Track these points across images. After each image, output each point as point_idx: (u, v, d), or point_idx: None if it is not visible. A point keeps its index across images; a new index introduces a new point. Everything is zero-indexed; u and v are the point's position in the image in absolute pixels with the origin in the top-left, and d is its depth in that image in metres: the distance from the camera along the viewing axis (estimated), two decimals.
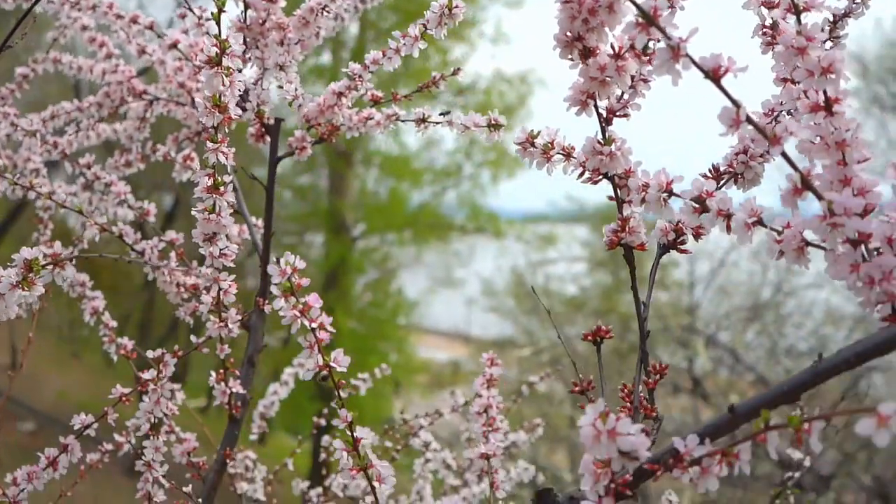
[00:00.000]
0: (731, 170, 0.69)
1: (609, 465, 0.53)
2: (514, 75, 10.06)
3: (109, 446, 1.09)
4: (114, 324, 1.09)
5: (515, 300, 10.71)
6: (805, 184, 0.51)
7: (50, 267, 0.67)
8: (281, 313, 0.61)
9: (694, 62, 0.50)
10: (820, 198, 0.51)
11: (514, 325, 10.00)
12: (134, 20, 1.09)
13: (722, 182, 0.69)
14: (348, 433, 0.64)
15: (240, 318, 0.90)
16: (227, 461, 0.98)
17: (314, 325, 0.62)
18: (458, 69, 0.98)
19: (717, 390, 6.53)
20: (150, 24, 1.10)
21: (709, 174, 0.69)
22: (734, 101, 0.50)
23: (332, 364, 0.63)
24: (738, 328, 6.38)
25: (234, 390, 0.97)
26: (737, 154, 0.68)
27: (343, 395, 0.64)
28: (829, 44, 0.72)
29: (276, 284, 0.61)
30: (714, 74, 0.50)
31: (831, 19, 0.72)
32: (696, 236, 0.67)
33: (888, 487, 5.97)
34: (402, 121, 0.96)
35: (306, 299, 0.62)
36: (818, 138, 0.54)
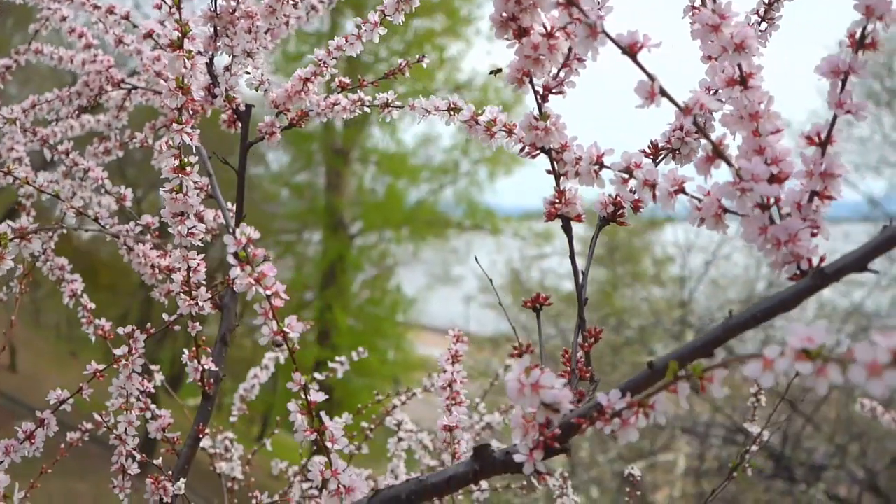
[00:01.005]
0: (668, 146, 0.72)
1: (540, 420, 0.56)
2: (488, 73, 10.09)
3: (88, 425, 1.13)
4: (92, 305, 1.12)
5: (513, 296, 10.74)
6: (717, 152, 0.54)
7: (17, 240, 0.70)
8: (237, 282, 0.65)
9: (611, 38, 0.53)
10: (730, 165, 0.54)
11: (512, 321, 10.00)
12: (110, 10, 1.12)
13: (660, 157, 0.72)
14: (303, 396, 0.68)
15: (210, 296, 0.94)
16: (200, 436, 1.02)
17: (269, 292, 0.65)
18: (423, 56, 1.01)
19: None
20: (126, 14, 1.13)
21: (647, 150, 0.72)
22: (649, 75, 0.54)
23: (286, 330, 0.66)
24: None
25: (206, 367, 1.00)
26: (674, 130, 0.72)
27: (294, 359, 0.68)
28: (764, 24, 0.75)
29: (231, 254, 0.64)
30: (631, 50, 0.54)
31: (766, 1, 0.75)
32: (636, 209, 0.71)
33: (879, 479, 6.02)
34: (368, 106, 1.00)
35: (261, 268, 0.65)
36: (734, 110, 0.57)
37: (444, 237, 12.47)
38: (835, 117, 0.55)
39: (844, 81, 0.54)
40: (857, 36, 0.54)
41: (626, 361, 6.64)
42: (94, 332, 1.09)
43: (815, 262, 0.54)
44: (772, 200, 0.54)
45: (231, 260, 0.65)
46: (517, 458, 0.58)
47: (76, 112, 1.22)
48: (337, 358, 1.40)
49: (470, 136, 0.70)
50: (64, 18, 1.22)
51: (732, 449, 6.73)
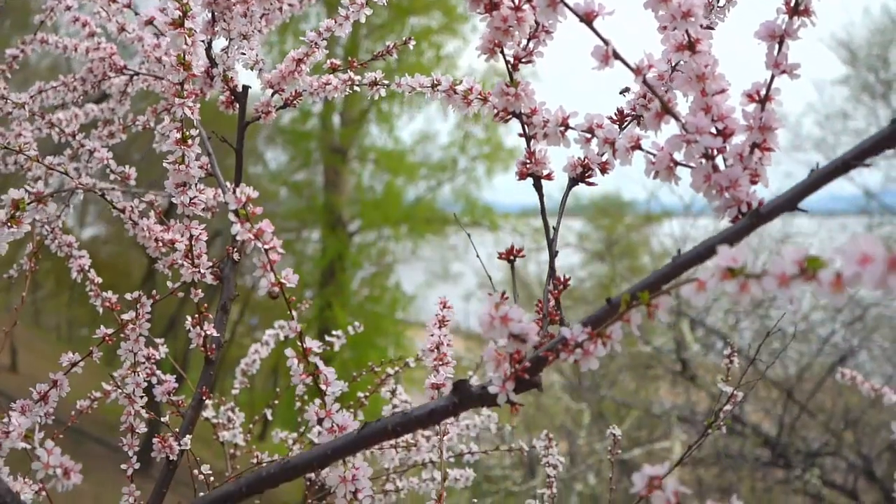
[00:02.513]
0: (633, 112, 0.78)
1: (511, 354, 0.63)
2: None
3: (97, 394, 1.19)
4: (99, 280, 1.18)
5: (511, 292, 10.75)
6: (665, 108, 0.60)
7: (34, 204, 0.77)
8: (237, 237, 0.71)
9: (569, 7, 0.59)
10: (678, 120, 0.60)
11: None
12: (112, 0, 1.18)
13: (626, 123, 0.78)
14: (298, 343, 0.74)
15: (211, 264, 1.00)
16: (204, 398, 1.08)
17: (267, 246, 0.71)
18: (410, 38, 1.07)
19: (707, 374, 6.65)
20: (128, 2, 1.19)
21: (613, 116, 0.78)
22: (604, 40, 0.60)
23: (283, 280, 0.72)
24: (725, 312, 6.49)
25: (208, 333, 1.06)
26: (639, 98, 0.78)
27: (294, 311, 0.74)
28: (722, 1, 0.82)
29: (232, 211, 0.70)
30: (587, 18, 0.60)
31: None
32: (603, 171, 0.77)
33: (874, 465, 6.08)
34: (357, 85, 1.06)
35: (260, 225, 0.71)
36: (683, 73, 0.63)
37: (442, 234, 12.52)
38: (772, 76, 0.61)
39: (781, 44, 0.61)
40: (792, 4, 0.61)
41: (624, 353, 6.71)
42: (102, 303, 1.15)
43: (753, 206, 0.60)
44: (715, 151, 0.60)
45: (231, 217, 0.71)
46: (491, 389, 0.64)
47: (80, 98, 1.28)
48: (334, 332, 1.47)
49: (449, 106, 0.76)
50: (69, 8, 1.28)
51: (729, 439, 6.80)
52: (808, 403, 6.38)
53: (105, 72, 1.27)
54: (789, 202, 0.57)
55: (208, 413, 1.39)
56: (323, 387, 0.74)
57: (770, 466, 6.24)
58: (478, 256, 1.05)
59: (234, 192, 0.70)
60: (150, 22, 1.13)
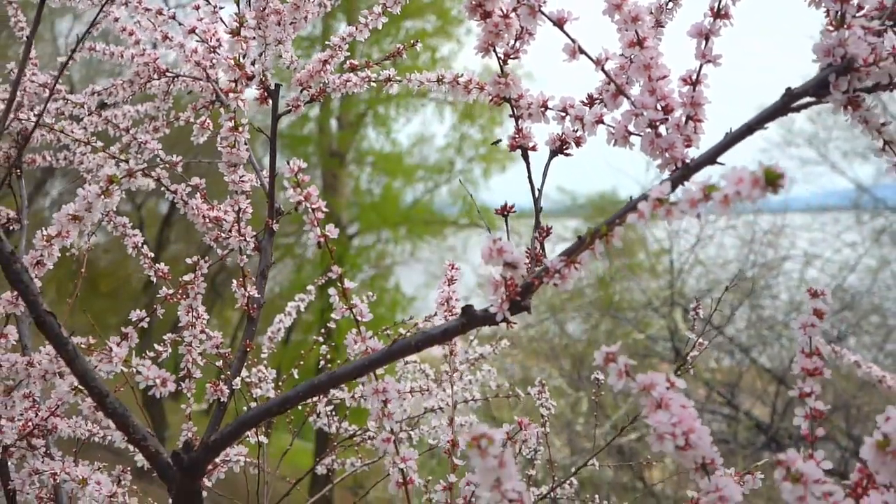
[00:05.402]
0: (600, 96, 0.97)
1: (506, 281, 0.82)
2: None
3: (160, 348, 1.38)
4: (151, 255, 1.37)
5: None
6: (619, 91, 0.80)
7: (127, 178, 0.95)
8: (290, 200, 0.90)
9: (545, 15, 0.79)
10: (628, 98, 0.80)
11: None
12: (159, 12, 1.37)
13: (594, 104, 0.98)
14: (339, 284, 0.93)
15: (255, 234, 1.19)
16: (248, 349, 1.27)
17: (314, 206, 0.90)
18: (416, 41, 1.27)
19: (701, 361, 6.85)
20: (172, 14, 1.38)
21: (585, 100, 0.98)
22: (572, 39, 0.79)
23: (327, 233, 0.91)
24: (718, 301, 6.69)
25: (251, 294, 1.25)
26: (603, 84, 0.97)
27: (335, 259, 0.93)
28: (671, 4, 1.01)
29: (286, 178, 0.89)
30: (559, 22, 0.79)
31: None
32: (577, 144, 0.96)
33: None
34: (374, 81, 1.25)
35: (308, 190, 0.91)
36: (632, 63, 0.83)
37: (440, 236, 12.70)
38: (700, 65, 0.80)
39: (707, 39, 0.80)
40: (715, 8, 0.80)
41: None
42: (155, 274, 1.34)
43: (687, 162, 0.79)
44: (658, 123, 0.79)
45: (286, 183, 0.90)
46: (491, 310, 0.83)
47: (129, 98, 1.47)
48: (334, 316, 1.65)
49: (446, 105, 0.95)
50: (117, 19, 1.47)
51: (724, 425, 7.00)
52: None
53: (150, 74, 1.46)
54: (709, 159, 0.76)
55: (235, 383, 1.58)
56: (359, 318, 0.93)
57: (763, 450, 6.43)
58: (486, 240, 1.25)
59: (288, 163, 0.89)
60: (192, 31, 1.33)
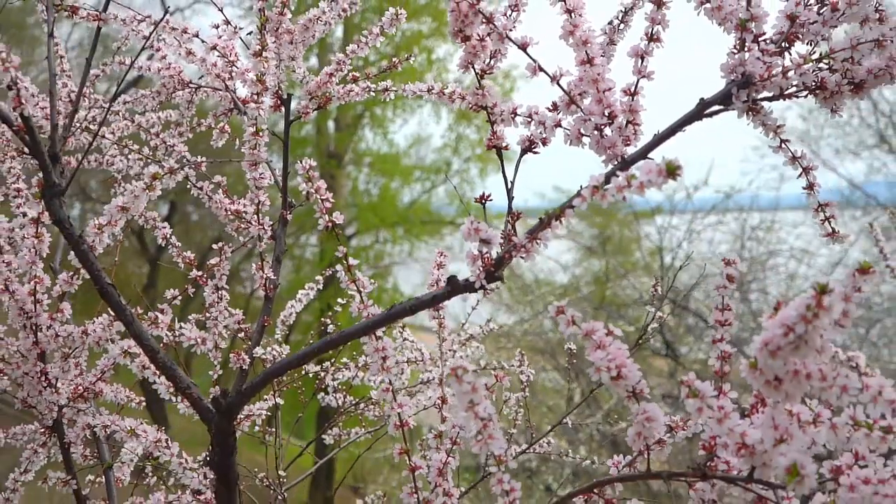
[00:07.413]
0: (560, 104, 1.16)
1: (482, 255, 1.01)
2: (498, 71, 10.55)
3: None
4: (179, 244, 1.56)
5: (508, 290, 11.14)
6: (571, 100, 0.99)
7: (167, 175, 1.15)
8: (301, 191, 1.09)
9: (511, 40, 0.98)
10: (579, 107, 0.99)
11: (508, 314, 10.42)
12: (185, 31, 1.56)
13: (556, 111, 1.17)
14: (345, 261, 1.12)
15: (272, 223, 1.38)
16: (265, 324, 1.46)
17: (323, 197, 1.10)
18: (409, 56, 1.46)
19: (691, 354, 7.05)
20: (196, 33, 1.57)
21: (550, 108, 1.17)
22: (533, 59, 0.99)
23: (334, 220, 1.11)
24: (708, 295, 6.90)
25: (268, 276, 1.45)
26: (561, 96, 1.16)
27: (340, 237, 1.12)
28: (622, 25, 1.20)
29: (300, 175, 1.09)
30: (523, 46, 0.99)
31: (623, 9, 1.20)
32: (543, 143, 1.15)
33: None
34: (374, 91, 1.44)
35: (318, 183, 1.10)
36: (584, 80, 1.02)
37: (438, 236, 12.88)
38: (637, 80, 1.00)
39: (642, 59, 0.99)
40: (649, 33, 0.99)
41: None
42: (182, 261, 1.53)
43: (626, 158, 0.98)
44: (604, 126, 0.99)
45: (299, 178, 1.09)
46: (471, 279, 1.02)
47: (157, 106, 1.67)
48: (339, 300, 1.85)
49: (442, 107, 1.14)
50: (146, 38, 1.66)
51: None
52: None
53: (175, 86, 1.65)
54: (641, 155, 0.95)
55: (257, 352, 1.77)
56: (361, 289, 1.13)
57: None
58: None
59: (301, 161, 1.09)
60: (214, 48, 1.52)
